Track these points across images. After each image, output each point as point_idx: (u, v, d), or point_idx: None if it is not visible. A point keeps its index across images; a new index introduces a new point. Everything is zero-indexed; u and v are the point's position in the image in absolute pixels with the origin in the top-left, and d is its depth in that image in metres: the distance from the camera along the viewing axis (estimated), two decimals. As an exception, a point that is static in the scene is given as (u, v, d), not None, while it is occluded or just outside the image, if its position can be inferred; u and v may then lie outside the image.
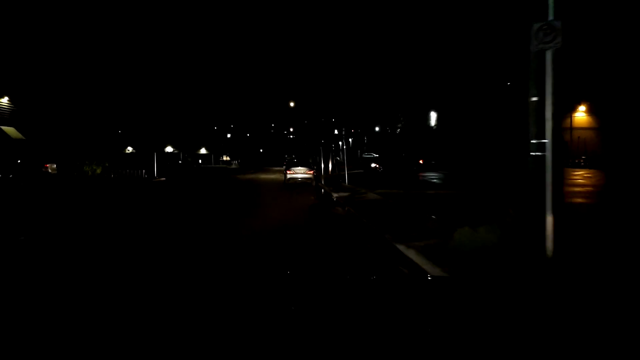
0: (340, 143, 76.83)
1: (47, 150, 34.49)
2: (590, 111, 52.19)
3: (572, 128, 52.01)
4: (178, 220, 12.04)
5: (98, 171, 34.94)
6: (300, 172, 24.77)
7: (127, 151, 72.67)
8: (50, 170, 32.05)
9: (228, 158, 79.85)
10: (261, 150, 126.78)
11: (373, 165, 39.81)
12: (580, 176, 28.63)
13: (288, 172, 25.06)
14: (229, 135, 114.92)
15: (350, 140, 76.08)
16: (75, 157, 34.17)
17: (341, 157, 65.46)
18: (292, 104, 47.47)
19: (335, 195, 16.68)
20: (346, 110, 70.64)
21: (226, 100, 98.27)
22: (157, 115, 67.69)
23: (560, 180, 5.22)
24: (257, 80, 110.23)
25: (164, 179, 34.29)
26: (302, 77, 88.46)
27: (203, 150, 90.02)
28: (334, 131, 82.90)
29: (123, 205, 16.79)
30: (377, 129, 77.39)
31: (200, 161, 77.98)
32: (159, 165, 36.09)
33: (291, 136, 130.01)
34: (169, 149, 77.52)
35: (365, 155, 70.20)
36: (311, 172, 25.13)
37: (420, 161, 36.49)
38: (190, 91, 78.38)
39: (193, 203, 17.06)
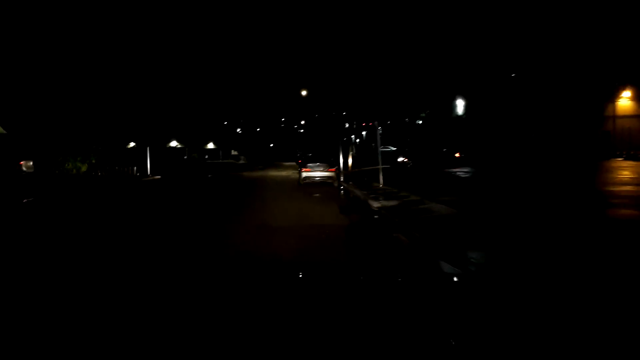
0: (352, 136, 71.20)
1: (28, 145, 29.48)
2: (636, 97, 46.01)
3: (615, 116, 45.97)
4: (135, 253, 6.83)
5: (83, 169, 29.90)
6: (318, 170, 19.42)
7: (129, 146, 67.84)
8: (25, 168, 27.02)
9: (236, 153, 74.64)
10: (271, 145, 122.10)
11: (400, 159, 34.38)
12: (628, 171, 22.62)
13: (304, 170, 19.70)
14: (238, 130, 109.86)
15: (363, 133, 70.39)
16: (57, 152, 29.14)
17: (354, 150, 59.99)
18: (304, 93, 42.00)
19: (375, 204, 11.29)
20: (361, 101, 64.59)
21: (236, 95, 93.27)
22: (160, 108, 62.76)
23: None
24: (267, 73, 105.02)
25: (159, 177, 29.17)
26: (314, 68, 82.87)
27: (211, 145, 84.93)
28: (346, 124, 77.26)
29: (71, 220, 11.54)
30: (389, 121, 71.38)
31: (207, 156, 72.93)
32: (153, 161, 30.94)
33: (301, 130, 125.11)
34: (174, 143, 72.53)
35: (383, 149, 64.25)
36: (332, 170, 19.73)
37: (457, 154, 30.95)
38: (197, 85, 73.26)
39: (173, 216, 11.80)
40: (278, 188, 20.08)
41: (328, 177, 19.37)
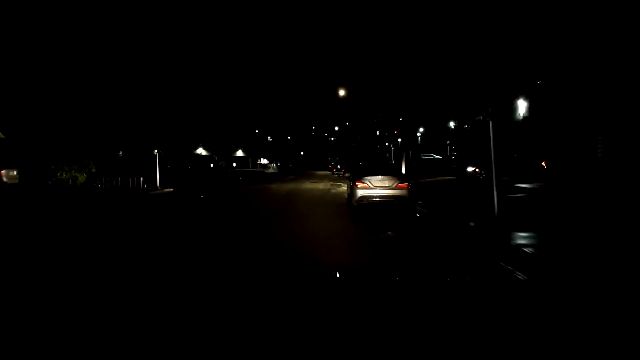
0: (387, 144, 64.31)
1: (14, 150, 24.15)
2: None
3: None
4: None
5: (81, 179, 24.32)
6: (381, 187, 12.80)
7: (154, 153, 62.88)
8: (5, 179, 21.55)
9: (266, 161, 69.04)
10: (302, 153, 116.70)
11: (470, 169, 27.45)
12: None
13: (359, 185, 13.04)
14: (269, 138, 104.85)
15: (399, 140, 63.21)
16: (49, 159, 23.68)
17: (390, 157, 52.97)
18: (342, 93, 35.71)
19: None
20: (399, 105, 57.37)
21: (267, 103, 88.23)
22: (184, 113, 57.74)
23: None
24: (299, 79, 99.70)
25: (171, 189, 23.32)
26: (349, 70, 76.56)
27: (240, 153, 79.66)
28: (377, 131, 70.24)
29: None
30: (420, 127, 63.78)
31: (234, 164, 67.44)
32: (164, 170, 25.18)
33: (332, 138, 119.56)
34: (200, 151, 67.49)
35: (425, 157, 56.97)
36: (403, 185, 12.99)
37: (543, 163, 23.84)
38: (227, 91, 68.21)
39: (163, 264, 5.60)
40: (321, 213, 13.42)
41: (397, 197, 12.72)
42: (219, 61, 68.06)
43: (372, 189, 12.82)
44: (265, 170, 55.89)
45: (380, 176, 13.12)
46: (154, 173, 24.46)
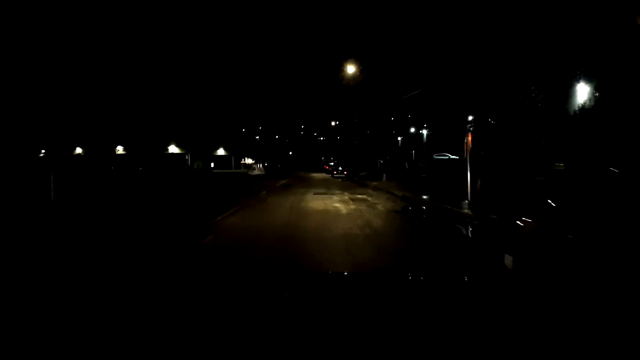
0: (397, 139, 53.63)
1: None
2: None
3: None
4: None
5: None
6: None
7: (117, 152, 51.41)
8: None
9: (251, 161, 57.92)
10: (290, 153, 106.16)
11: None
12: None
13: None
14: (257, 138, 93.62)
15: (399, 139, 52.18)
16: None
17: (388, 158, 42.01)
18: (351, 69, 24.91)
19: None
20: (404, 99, 45.58)
21: (254, 101, 77.19)
22: (157, 108, 46.47)
23: None
24: (287, 76, 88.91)
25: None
26: (346, 57, 65.37)
27: (221, 151, 68.35)
28: (388, 125, 59.27)
29: None
30: (423, 127, 53.11)
31: (212, 165, 56.13)
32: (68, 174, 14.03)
33: (321, 138, 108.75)
34: (173, 149, 56.11)
35: (438, 157, 45.54)
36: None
37: None
38: (207, 85, 56.85)
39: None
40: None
41: None
42: (202, 55, 56.89)
43: None
44: (250, 172, 44.68)
45: None
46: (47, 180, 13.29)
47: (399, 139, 52.90)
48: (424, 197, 15.95)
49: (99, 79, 32.23)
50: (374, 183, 25.91)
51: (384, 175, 27.49)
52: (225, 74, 66.88)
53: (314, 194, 18.37)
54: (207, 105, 57.49)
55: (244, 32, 79.99)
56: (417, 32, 31.31)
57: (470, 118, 43.19)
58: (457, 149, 46.23)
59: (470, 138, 42.50)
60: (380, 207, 13.31)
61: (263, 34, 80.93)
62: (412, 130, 52.23)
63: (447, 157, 45.03)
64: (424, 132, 53.60)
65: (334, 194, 18.02)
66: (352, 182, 30.59)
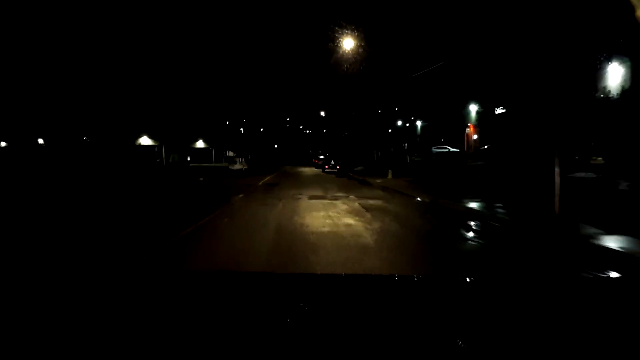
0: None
1: None
2: None
3: None
4: None
5: None
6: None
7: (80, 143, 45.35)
8: None
9: (232, 154, 52.36)
10: (276, 146, 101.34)
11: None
12: None
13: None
14: (241, 130, 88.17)
15: (389, 130, 47.18)
16: None
17: (378, 153, 37.34)
18: (348, 42, 19.86)
19: None
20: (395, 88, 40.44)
21: (237, 92, 71.65)
22: (128, 94, 40.70)
23: None
24: (273, 66, 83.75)
25: None
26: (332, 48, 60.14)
27: (200, 144, 62.67)
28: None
29: None
30: (418, 118, 48.00)
31: (188, 158, 50.53)
32: None
33: (308, 131, 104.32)
34: (145, 140, 50.28)
35: (437, 149, 40.55)
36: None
37: None
38: (183, 75, 50.93)
39: None
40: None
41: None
42: (181, 43, 50.97)
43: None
44: (230, 167, 39.45)
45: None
46: None
47: (389, 130, 47.90)
48: (472, 205, 10.97)
49: (59, 60, 26.74)
50: (377, 181, 20.99)
51: (390, 171, 22.55)
52: (206, 63, 61.18)
53: (309, 197, 13.30)
54: (185, 93, 51.73)
55: (227, 17, 73.96)
56: (417, 6, 25.92)
57: (472, 107, 37.37)
58: (456, 141, 40.82)
59: (472, 129, 35.77)
60: (419, 225, 8.33)
61: (247, 19, 75.02)
62: (399, 122, 47.30)
63: (447, 150, 39.98)
64: (418, 123, 48.66)
65: (336, 198, 12.98)
66: (350, 179, 25.63)
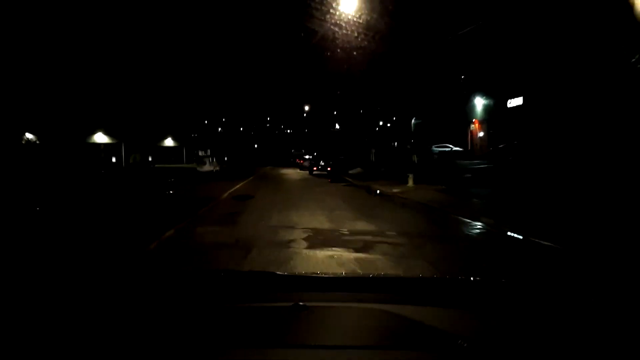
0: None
1: None
2: None
3: None
4: None
5: None
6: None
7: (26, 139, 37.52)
8: None
9: (204, 153, 45.13)
10: (256, 146, 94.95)
11: None
12: None
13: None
14: (219, 129, 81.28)
15: (377, 129, 40.76)
16: None
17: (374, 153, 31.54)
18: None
19: None
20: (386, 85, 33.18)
21: (215, 89, 64.71)
22: (73, 89, 33.17)
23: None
24: (253, 65, 77.12)
25: None
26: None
27: (169, 142, 55.19)
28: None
29: None
30: (412, 114, 41.72)
31: (150, 158, 43.10)
32: None
33: (289, 130, 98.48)
34: (101, 137, 42.59)
35: (439, 148, 33.75)
36: None
37: None
38: (149, 64, 43.40)
39: None
40: None
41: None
42: (150, 34, 43.38)
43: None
44: (199, 168, 32.51)
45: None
46: None
47: (376, 129, 41.58)
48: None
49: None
50: (394, 190, 14.46)
51: (410, 176, 15.92)
52: (182, 59, 53.80)
53: (308, 245, 6.49)
54: (154, 86, 44.29)
55: (207, 10, 66.43)
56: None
57: (477, 100, 30.75)
58: (458, 138, 33.80)
59: (478, 125, 29.24)
60: None
61: (227, 13, 67.80)
62: (394, 118, 41.05)
63: (450, 149, 33.34)
64: (412, 120, 42.20)
65: (368, 247, 6.30)
66: (351, 186, 18.97)
